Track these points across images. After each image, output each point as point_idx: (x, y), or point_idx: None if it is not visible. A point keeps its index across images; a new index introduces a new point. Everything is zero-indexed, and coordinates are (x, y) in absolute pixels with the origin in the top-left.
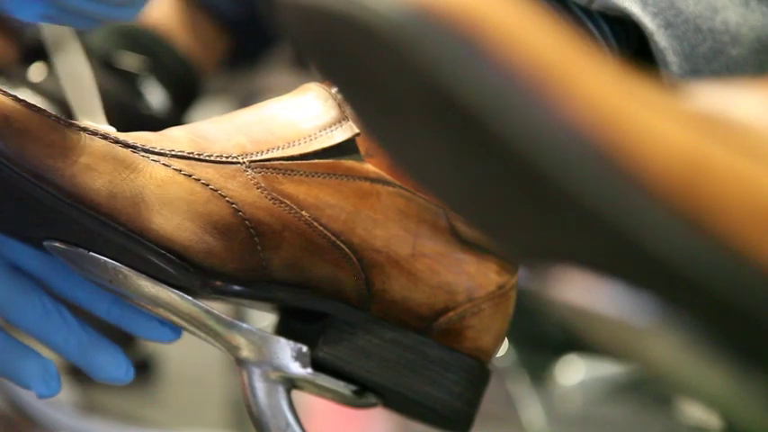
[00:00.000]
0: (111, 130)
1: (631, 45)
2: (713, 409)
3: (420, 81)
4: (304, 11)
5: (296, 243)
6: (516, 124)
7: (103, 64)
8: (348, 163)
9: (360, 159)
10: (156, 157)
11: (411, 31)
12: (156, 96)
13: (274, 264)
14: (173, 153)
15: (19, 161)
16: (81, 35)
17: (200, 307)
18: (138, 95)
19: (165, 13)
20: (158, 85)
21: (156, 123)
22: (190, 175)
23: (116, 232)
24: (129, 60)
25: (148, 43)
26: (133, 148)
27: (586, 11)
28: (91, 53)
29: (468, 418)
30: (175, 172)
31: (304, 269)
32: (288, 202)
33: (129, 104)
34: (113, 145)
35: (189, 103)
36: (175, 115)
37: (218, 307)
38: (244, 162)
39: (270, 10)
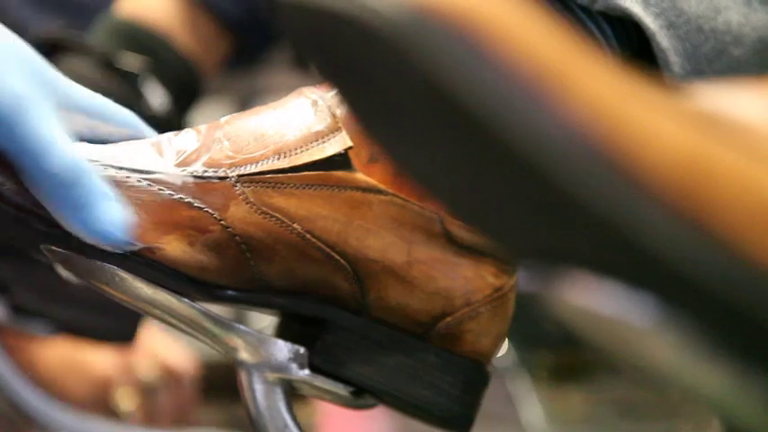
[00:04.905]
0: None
1: (633, 46)
2: (713, 409)
3: (419, 81)
4: (304, 11)
5: (289, 256)
6: (516, 124)
7: (104, 64)
8: (339, 174)
9: (351, 170)
10: (138, 177)
11: (411, 31)
12: (156, 96)
13: (269, 275)
14: (155, 171)
15: (10, 194)
16: (81, 35)
17: (198, 309)
18: (139, 95)
19: (166, 13)
20: (159, 85)
21: (156, 123)
22: (173, 195)
23: (105, 252)
24: (130, 60)
25: (149, 43)
26: (115, 169)
27: (588, 11)
28: (91, 53)
29: (468, 419)
30: (158, 192)
31: (299, 279)
32: (278, 216)
33: (130, 105)
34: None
35: (189, 103)
36: (176, 115)
37: (215, 308)
38: (232, 177)
39: (270, 10)
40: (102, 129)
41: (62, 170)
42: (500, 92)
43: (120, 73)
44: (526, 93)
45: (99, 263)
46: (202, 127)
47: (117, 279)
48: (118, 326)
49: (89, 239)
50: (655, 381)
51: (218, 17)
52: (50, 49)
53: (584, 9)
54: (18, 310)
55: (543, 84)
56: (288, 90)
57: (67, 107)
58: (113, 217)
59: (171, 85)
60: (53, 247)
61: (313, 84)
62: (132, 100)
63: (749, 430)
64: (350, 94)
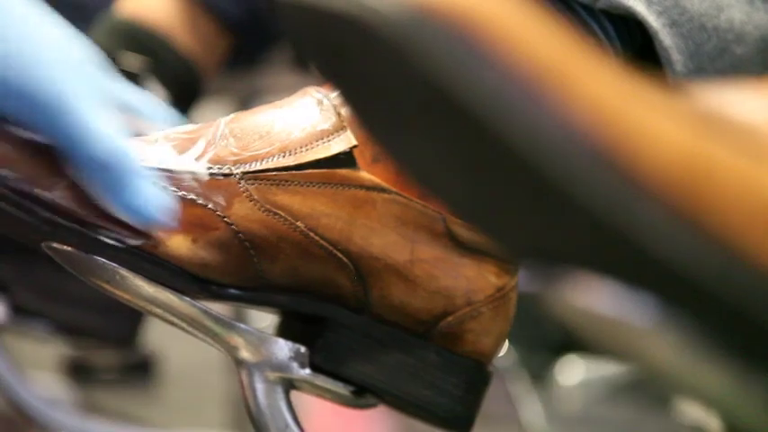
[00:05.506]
0: None
1: (636, 44)
2: (713, 409)
3: (420, 81)
4: (305, 11)
5: (293, 253)
6: (516, 124)
7: None
8: (343, 172)
9: (355, 168)
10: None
11: (411, 31)
12: (156, 96)
13: (272, 274)
14: (161, 168)
15: (11, 184)
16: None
17: (199, 308)
18: None
19: (166, 13)
20: (159, 85)
21: None
22: (178, 192)
23: (108, 245)
24: (130, 60)
25: (149, 43)
26: None
27: (590, 10)
28: None
29: (468, 419)
30: (163, 189)
31: (302, 277)
32: (282, 213)
33: None
34: None
35: (190, 103)
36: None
37: (216, 307)
38: (236, 174)
39: (270, 10)
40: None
41: (101, 154)
42: (500, 92)
43: (120, 73)
44: (526, 93)
45: (100, 261)
46: (198, 126)
47: (118, 277)
48: (118, 326)
49: (130, 218)
50: (656, 380)
51: (218, 17)
52: None
53: (587, 7)
54: (18, 310)
55: (543, 84)
56: (288, 90)
57: (113, 101)
58: (149, 196)
59: (171, 85)
60: (55, 245)
61: (313, 83)
62: None
63: (749, 430)
64: (350, 94)
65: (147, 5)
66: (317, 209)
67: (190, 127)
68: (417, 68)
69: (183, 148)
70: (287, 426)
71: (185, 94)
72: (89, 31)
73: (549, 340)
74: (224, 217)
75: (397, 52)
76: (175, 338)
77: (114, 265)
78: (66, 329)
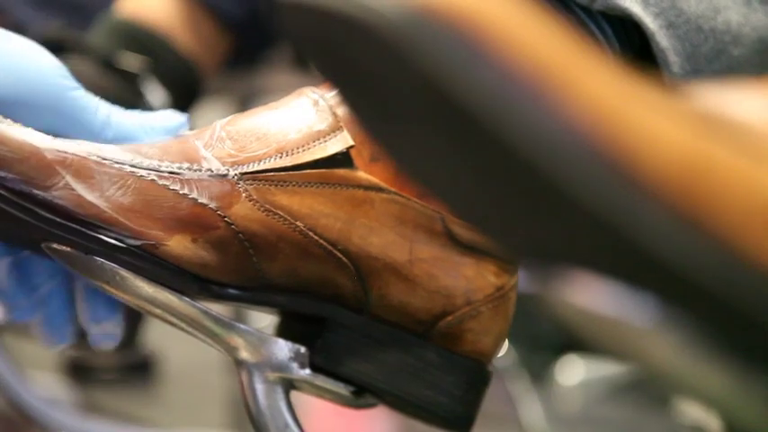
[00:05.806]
0: (95, 147)
1: (633, 46)
2: (712, 409)
3: (420, 82)
4: (305, 11)
5: (292, 253)
6: (516, 125)
7: (104, 64)
8: (341, 172)
9: (353, 168)
10: (144, 173)
11: (412, 31)
12: (156, 96)
13: (271, 273)
14: (161, 168)
15: (8, 185)
16: (81, 35)
17: (198, 308)
18: (139, 96)
19: (166, 13)
20: (159, 85)
21: None
22: (179, 191)
23: (108, 244)
24: (130, 60)
25: (149, 43)
26: (120, 163)
27: (588, 11)
28: (91, 53)
29: (469, 419)
30: (164, 187)
31: (301, 277)
32: (281, 213)
33: (130, 105)
34: (101, 163)
35: (190, 103)
36: None
37: (216, 307)
38: (235, 174)
39: (271, 10)
40: None
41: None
42: (500, 92)
43: (120, 73)
44: (526, 93)
45: (100, 261)
46: (195, 131)
47: (117, 278)
48: None
49: None
50: (656, 380)
51: (219, 17)
52: (51, 49)
53: (584, 9)
54: None
55: (544, 84)
56: (288, 90)
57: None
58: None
59: (171, 85)
60: (55, 246)
61: (313, 84)
62: (132, 100)
63: (749, 430)
64: (350, 94)
65: (147, 5)
66: (315, 209)
67: (185, 132)
68: (417, 69)
69: None
70: (287, 426)
71: (185, 94)
72: (89, 31)
73: (549, 340)
74: (224, 216)
75: (397, 52)
76: (175, 338)
77: (114, 265)
78: None
